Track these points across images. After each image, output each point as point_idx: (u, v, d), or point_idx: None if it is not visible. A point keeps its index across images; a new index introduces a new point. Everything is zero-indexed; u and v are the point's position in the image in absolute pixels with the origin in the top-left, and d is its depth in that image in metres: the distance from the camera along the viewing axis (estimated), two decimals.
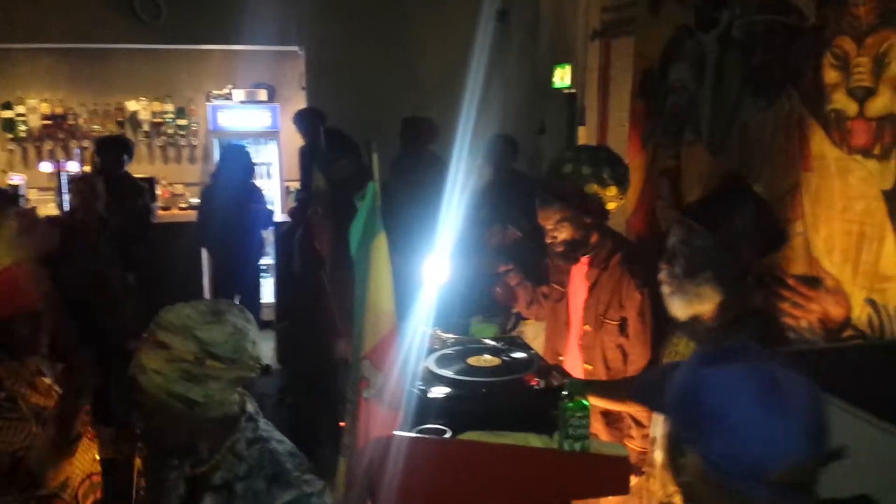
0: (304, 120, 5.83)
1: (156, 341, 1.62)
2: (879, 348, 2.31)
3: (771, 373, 0.99)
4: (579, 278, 2.82)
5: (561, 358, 2.86)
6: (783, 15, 2.93)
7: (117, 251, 4.82)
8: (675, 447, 1.06)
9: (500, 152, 4.63)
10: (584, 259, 2.77)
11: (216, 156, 7.12)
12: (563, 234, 2.68)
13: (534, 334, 3.32)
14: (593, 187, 2.64)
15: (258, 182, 7.58)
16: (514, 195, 4.18)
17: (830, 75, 2.72)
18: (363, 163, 3.87)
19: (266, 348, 6.33)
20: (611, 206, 2.73)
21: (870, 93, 2.58)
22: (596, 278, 2.73)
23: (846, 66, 2.66)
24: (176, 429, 1.67)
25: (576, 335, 2.83)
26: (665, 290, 2.17)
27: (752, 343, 1.07)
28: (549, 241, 2.73)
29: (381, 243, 1.70)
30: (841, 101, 2.69)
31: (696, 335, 2.18)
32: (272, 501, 1.61)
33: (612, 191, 2.68)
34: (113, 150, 5.57)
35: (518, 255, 3.20)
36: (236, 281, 6.03)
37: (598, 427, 2.66)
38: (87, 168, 6.54)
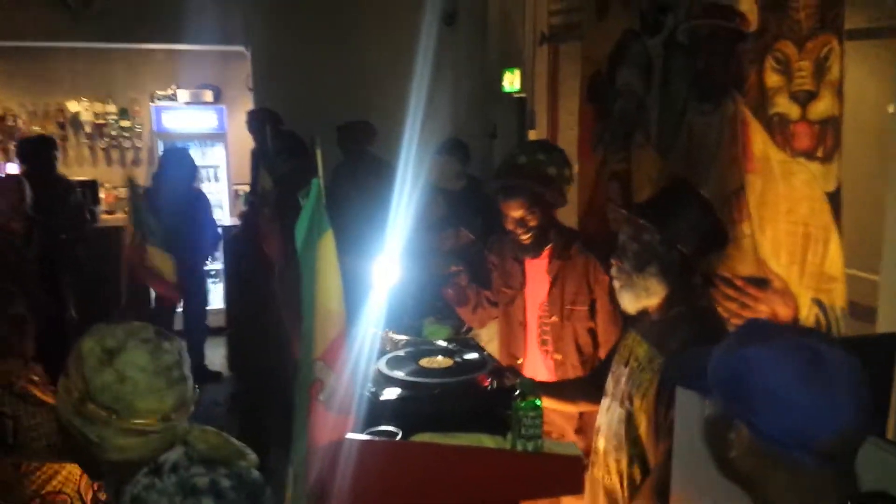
0: (256, 121, 5.73)
1: (67, 363, 1.49)
2: None
3: (814, 346, 1.06)
4: (538, 274, 2.84)
5: (519, 361, 2.87)
6: (726, 19, 2.97)
7: (51, 254, 4.70)
8: (721, 425, 1.11)
9: (453, 157, 4.62)
10: (544, 254, 2.80)
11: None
12: (534, 220, 2.71)
13: (489, 336, 3.31)
14: (553, 170, 2.71)
15: (205, 186, 7.48)
16: (467, 199, 4.17)
17: (773, 79, 2.77)
18: (311, 163, 3.81)
19: (217, 355, 6.20)
20: (569, 187, 2.83)
21: (811, 96, 2.64)
22: (558, 270, 2.76)
23: (788, 70, 2.71)
24: (83, 460, 1.56)
25: (534, 334, 2.84)
26: (616, 284, 2.23)
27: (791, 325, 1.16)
28: (519, 232, 2.74)
29: (327, 241, 1.66)
30: (783, 105, 2.74)
31: (641, 329, 2.22)
32: None
33: (567, 172, 2.78)
34: (42, 151, 5.38)
35: (470, 258, 3.19)
36: (180, 288, 5.90)
37: (569, 434, 2.67)
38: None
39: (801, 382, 1.03)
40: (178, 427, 1.52)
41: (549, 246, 2.80)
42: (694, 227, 2.13)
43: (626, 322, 2.39)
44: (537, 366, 2.80)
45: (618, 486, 2.19)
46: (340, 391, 1.74)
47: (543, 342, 2.80)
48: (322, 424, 1.73)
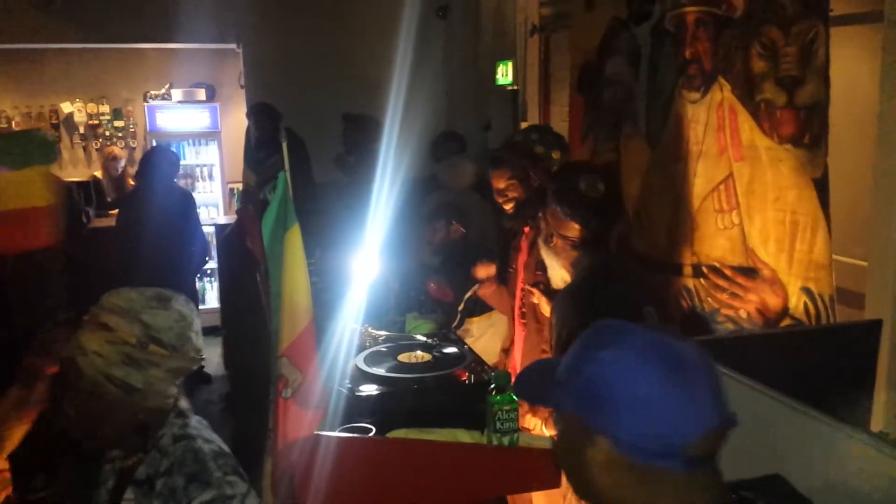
0: (251, 115, 5.64)
1: (98, 323, 1.57)
2: (807, 334, 2.32)
3: (669, 345, 0.97)
4: (523, 247, 2.92)
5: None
6: (713, 6, 2.94)
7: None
8: (578, 439, 1.00)
9: (449, 150, 4.58)
10: (526, 228, 2.90)
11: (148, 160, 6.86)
12: (515, 192, 2.85)
13: (479, 332, 3.29)
14: (540, 148, 2.86)
15: (199, 185, 7.46)
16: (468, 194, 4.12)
17: (759, 65, 2.73)
18: (302, 159, 3.79)
19: (212, 354, 6.19)
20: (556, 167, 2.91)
21: (798, 82, 2.59)
22: (534, 238, 2.80)
23: (774, 56, 2.67)
24: (111, 417, 1.60)
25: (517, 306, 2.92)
26: None
27: (633, 322, 1.04)
28: (501, 201, 2.90)
29: (294, 236, 1.64)
30: (770, 91, 2.70)
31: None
32: (189, 500, 1.54)
33: (557, 153, 2.90)
34: None
35: (460, 252, 3.18)
36: (171, 288, 5.85)
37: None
38: None
39: (663, 384, 0.94)
40: None
41: (533, 217, 2.85)
42: (578, 205, 2.31)
43: None
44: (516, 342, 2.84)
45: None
46: (309, 387, 1.71)
47: (522, 314, 2.85)
48: (288, 420, 1.70)
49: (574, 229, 2.31)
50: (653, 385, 0.94)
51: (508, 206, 2.89)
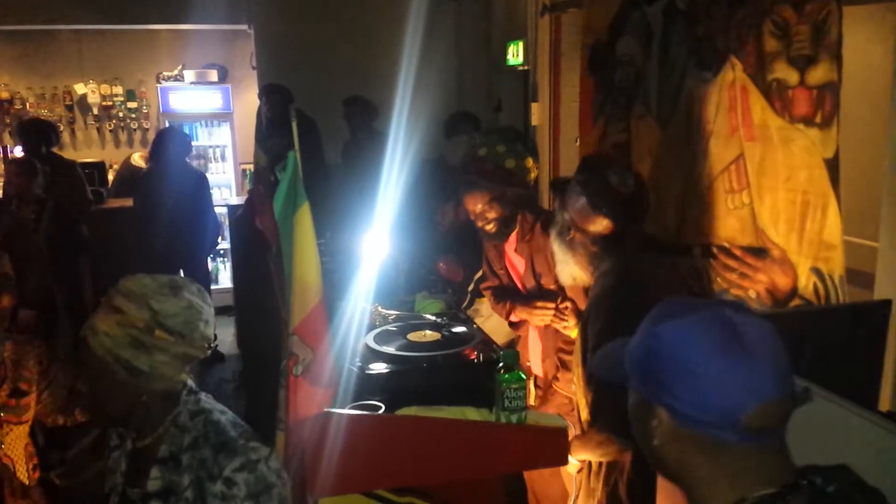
0: (263, 96, 5.65)
1: (111, 305, 1.62)
2: (816, 314, 2.32)
3: (727, 316, 0.99)
4: (514, 255, 2.86)
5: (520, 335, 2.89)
6: None
7: (58, 234, 4.76)
8: (643, 411, 1.03)
9: (460, 130, 4.58)
10: (512, 238, 2.81)
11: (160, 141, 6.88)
12: (494, 213, 2.72)
13: (489, 312, 3.30)
14: (512, 162, 2.68)
15: (212, 165, 7.50)
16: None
17: (771, 44, 2.71)
18: (313, 139, 3.81)
19: (227, 333, 6.25)
20: (532, 176, 2.78)
21: (810, 61, 2.57)
22: (528, 251, 2.78)
23: (786, 35, 2.65)
24: (117, 397, 1.65)
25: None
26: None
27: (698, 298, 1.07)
28: (480, 224, 2.76)
29: (304, 214, 1.65)
30: (782, 70, 2.68)
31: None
32: (220, 469, 1.59)
33: (529, 162, 2.73)
34: (32, 135, 5.41)
35: (471, 233, 3.18)
36: (185, 268, 5.93)
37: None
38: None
39: (717, 354, 0.95)
40: None
41: (515, 230, 2.80)
42: (610, 199, 2.14)
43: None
44: (532, 337, 2.80)
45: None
46: (319, 365, 1.73)
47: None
48: (300, 398, 1.73)
49: (602, 224, 2.14)
50: (706, 356, 0.96)
51: (490, 227, 2.77)
